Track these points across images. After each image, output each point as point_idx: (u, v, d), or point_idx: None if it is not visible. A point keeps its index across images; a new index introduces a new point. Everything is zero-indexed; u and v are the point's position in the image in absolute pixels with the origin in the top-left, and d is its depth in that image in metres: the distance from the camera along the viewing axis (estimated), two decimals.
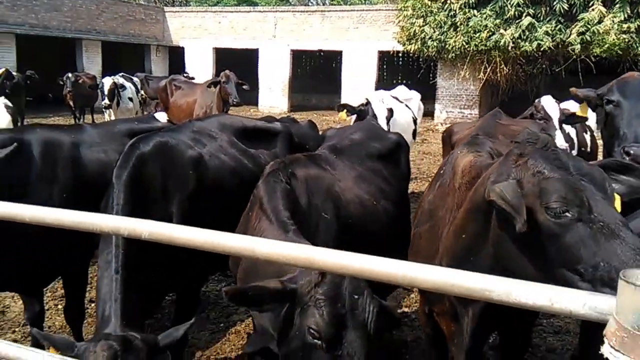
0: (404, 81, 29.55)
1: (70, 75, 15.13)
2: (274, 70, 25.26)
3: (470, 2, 18.29)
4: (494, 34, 18.15)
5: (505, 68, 18.99)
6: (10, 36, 20.47)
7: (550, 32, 17.40)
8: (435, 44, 19.58)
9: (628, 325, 1.16)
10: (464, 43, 18.74)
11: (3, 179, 3.10)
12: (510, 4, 17.60)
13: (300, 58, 27.15)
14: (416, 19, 19.82)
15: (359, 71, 23.46)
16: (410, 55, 22.61)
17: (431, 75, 22.57)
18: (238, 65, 27.79)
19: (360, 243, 3.02)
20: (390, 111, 6.63)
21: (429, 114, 23.42)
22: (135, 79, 14.31)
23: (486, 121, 3.82)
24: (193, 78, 19.97)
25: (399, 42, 21.20)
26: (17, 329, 4.35)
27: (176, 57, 27.59)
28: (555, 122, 4.72)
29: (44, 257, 3.29)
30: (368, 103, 6.57)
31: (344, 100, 18.13)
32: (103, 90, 11.81)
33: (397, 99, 8.69)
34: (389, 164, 3.58)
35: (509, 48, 17.91)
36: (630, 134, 3.26)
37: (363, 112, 6.54)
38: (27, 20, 21.34)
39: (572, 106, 4.82)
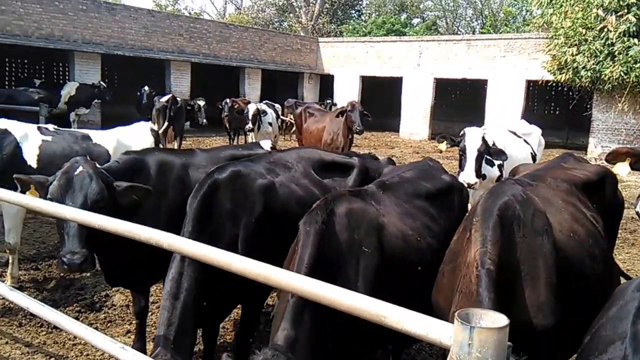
0: (556, 111, 27.93)
1: (227, 100, 16.95)
2: (416, 98, 25.49)
3: (630, 30, 17.02)
4: None
5: None
6: (186, 64, 23.60)
7: None
8: (589, 74, 18.41)
9: (454, 355, 1.41)
10: (622, 74, 17.37)
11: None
12: None
13: (444, 86, 27.06)
14: (568, 47, 18.81)
15: (504, 100, 22.67)
16: (562, 85, 21.33)
17: (587, 106, 21.01)
18: (382, 92, 28.78)
19: (403, 278, 3.11)
20: (486, 144, 6.43)
21: (582, 147, 21.81)
22: (277, 105, 15.68)
23: (548, 163, 3.81)
24: (335, 104, 21.07)
25: (548, 71, 20.22)
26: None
27: (326, 84, 29.20)
28: None
29: (147, 261, 3.80)
30: (463, 134, 6.57)
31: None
32: (248, 115, 13.18)
33: (514, 133, 8.50)
34: (438, 203, 3.60)
35: None
36: None
37: (459, 144, 6.56)
38: (201, 50, 24.35)
39: None
